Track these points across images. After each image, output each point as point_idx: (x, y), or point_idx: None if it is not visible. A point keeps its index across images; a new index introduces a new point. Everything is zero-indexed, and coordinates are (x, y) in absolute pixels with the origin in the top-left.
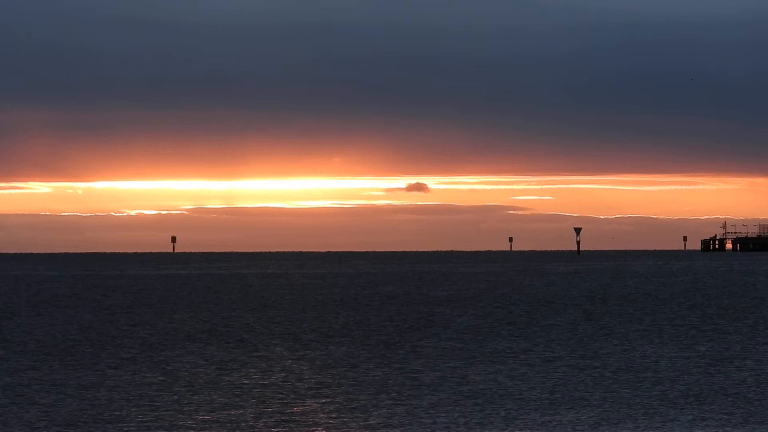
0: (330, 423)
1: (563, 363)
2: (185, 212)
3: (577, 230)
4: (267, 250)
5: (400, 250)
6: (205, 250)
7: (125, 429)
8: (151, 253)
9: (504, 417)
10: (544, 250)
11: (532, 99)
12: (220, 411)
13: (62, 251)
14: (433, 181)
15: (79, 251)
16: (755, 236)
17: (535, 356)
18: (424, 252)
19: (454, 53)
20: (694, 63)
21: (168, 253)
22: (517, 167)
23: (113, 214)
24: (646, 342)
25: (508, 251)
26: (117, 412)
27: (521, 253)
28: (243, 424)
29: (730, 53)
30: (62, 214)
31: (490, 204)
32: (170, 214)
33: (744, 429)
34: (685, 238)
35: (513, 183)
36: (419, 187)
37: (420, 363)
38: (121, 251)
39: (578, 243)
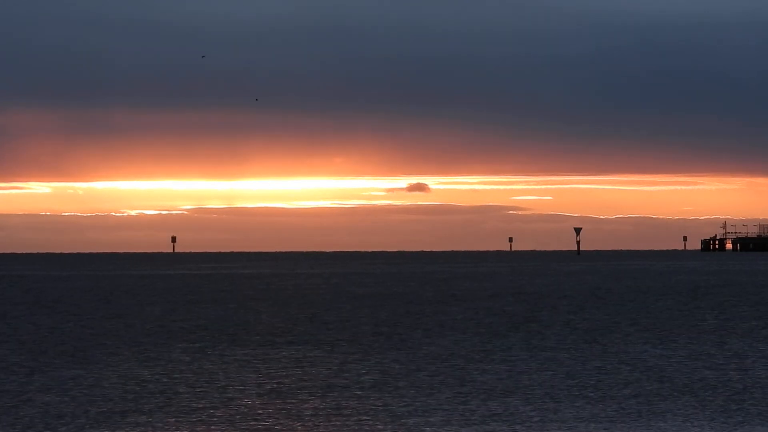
0: (332, 422)
1: (563, 361)
2: (185, 212)
3: (577, 230)
4: (267, 250)
5: (400, 250)
6: (205, 250)
7: (126, 428)
8: (151, 253)
9: (504, 414)
10: (544, 250)
11: (532, 99)
12: (221, 410)
13: (62, 251)
14: (433, 181)
15: (79, 251)
16: (755, 236)
17: (537, 354)
18: (424, 252)
19: (455, 54)
20: (695, 64)
21: (168, 253)
22: (517, 167)
23: (114, 214)
24: (647, 341)
25: (508, 251)
26: (117, 410)
27: (521, 253)
28: (240, 423)
29: (731, 54)
30: (63, 214)
31: (490, 204)
32: (170, 214)
33: (743, 428)
34: (685, 238)
35: (513, 183)
36: (420, 187)
37: (421, 362)
38: (122, 251)
39: (578, 243)
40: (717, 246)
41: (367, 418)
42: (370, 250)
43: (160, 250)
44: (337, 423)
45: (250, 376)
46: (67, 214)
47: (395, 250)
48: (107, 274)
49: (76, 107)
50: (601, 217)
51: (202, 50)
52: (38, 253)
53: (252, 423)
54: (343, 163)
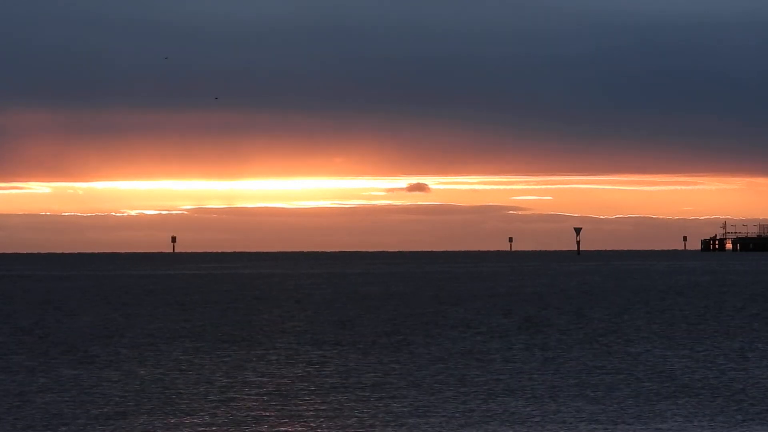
0: (332, 422)
1: (563, 361)
2: (185, 212)
3: (577, 230)
4: (267, 250)
5: (400, 250)
6: (205, 250)
7: (126, 428)
8: (151, 253)
9: (504, 414)
10: (544, 250)
11: (532, 99)
12: (221, 410)
13: (62, 251)
14: (433, 181)
15: (79, 251)
16: (755, 236)
17: (537, 354)
18: (424, 252)
19: (455, 54)
20: (695, 64)
21: (168, 253)
22: (517, 167)
23: (114, 214)
24: (647, 340)
25: (508, 251)
26: (117, 410)
27: (521, 253)
28: (241, 423)
29: (731, 54)
30: (63, 214)
31: (490, 204)
32: (170, 214)
33: (743, 428)
34: (685, 238)
35: (513, 183)
36: (420, 187)
37: (421, 362)
38: (122, 251)
39: (578, 243)
40: (717, 246)
41: (368, 418)
42: (370, 250)
43: (160, 250)
44: (338, 423)
45: (250, 376)
46: (67, 214)
47: (395, 250)
48: (107, 274)
49: (76, 107)
50: (601, 217)
51: (202, 50)
52: (38, 253)
53: (252, 423)
54: (343, 163)
